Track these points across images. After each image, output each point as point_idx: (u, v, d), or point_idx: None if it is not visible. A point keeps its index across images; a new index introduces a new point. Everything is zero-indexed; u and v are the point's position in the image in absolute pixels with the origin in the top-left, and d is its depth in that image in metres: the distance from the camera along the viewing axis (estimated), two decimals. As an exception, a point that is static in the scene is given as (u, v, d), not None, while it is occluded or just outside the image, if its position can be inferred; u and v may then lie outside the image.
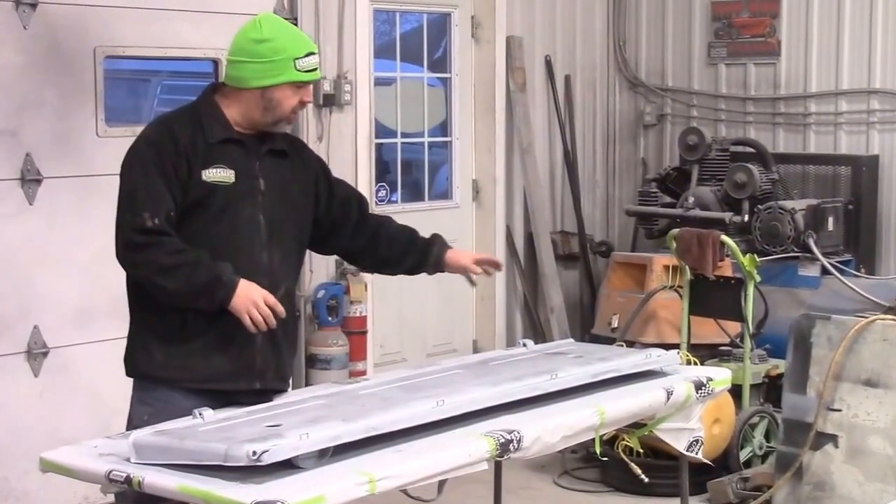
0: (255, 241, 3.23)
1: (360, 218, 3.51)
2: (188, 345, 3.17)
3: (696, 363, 4.85)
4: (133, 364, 3.27)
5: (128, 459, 2.78)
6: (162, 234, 3.11)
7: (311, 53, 3.26)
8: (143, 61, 5.18)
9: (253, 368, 3.23)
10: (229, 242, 3.18)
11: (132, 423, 3.19)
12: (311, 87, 3.32)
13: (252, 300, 3.11)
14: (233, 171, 3.20)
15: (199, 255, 3.13)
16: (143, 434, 2.84)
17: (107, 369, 4.42)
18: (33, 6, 4.60)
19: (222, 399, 3.15)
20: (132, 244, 3.13)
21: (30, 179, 4.64)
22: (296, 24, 5.49)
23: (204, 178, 3.16)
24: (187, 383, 3.18)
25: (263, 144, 3.28)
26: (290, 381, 3.47)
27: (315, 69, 3.27)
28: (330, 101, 5.70)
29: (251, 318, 3.10)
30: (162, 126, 3.25)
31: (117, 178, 3.20)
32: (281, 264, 3.27)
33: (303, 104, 3.29)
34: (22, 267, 4.63)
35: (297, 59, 3.22)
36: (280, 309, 3.16)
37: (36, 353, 4.68)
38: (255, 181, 3.24)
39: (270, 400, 3.23)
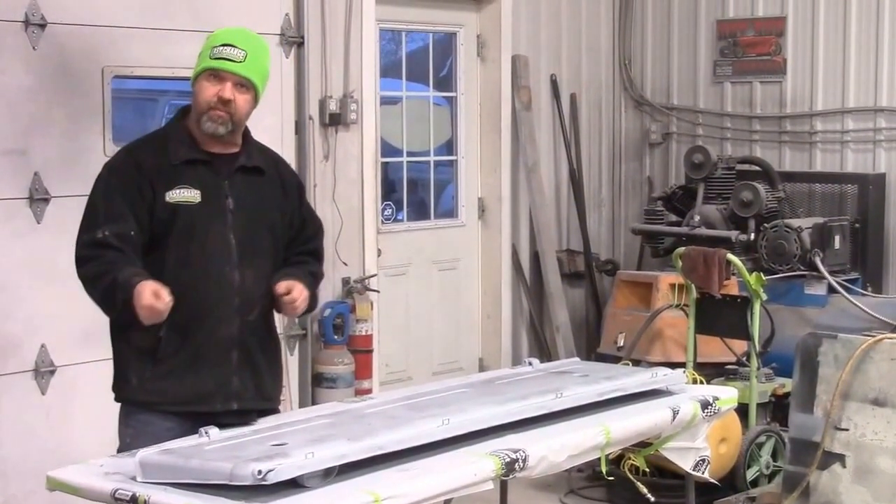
0: (226, 260, 3.18)
1: (299, 245, 3.40)
2: (162, 366, 3.16)
3: (702, 382, 4.83)
4: (115, 388, 3.27)
5: (134, 478, 2.79)
6: (107, 246, 3.08)
7: (230, 45, 3.14)
8: (150, 81, 5.19)
9: (229, 389, 3.20)
10: (200, 262, 3.16)
11: (119, 446, 3.20)
12: (230, 84, 3.13)
13: (140, 304, 2.96)
14: (198, 191, 3.17)
15: (117, 265, 3.04)
16: (150, 453, 2.84)
17: (113, 388, 4.42)
18: (42, 27, 4.63)
19: (201, 421, 3.07)
20: (79, 259, 3.15)
21: (38, 199, 4.65)
22: (302, 44, 5.53)
23: (167, 199, 3.15)
24: (164, 406, 3.17)
25: (234, 162, 3.24)
26: (279, 401, 3.43)
27: (223, 58, 3.12)
28: (336, 121, 5.72)
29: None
30: (125, 153, 3.27)
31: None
32: (255, 284, 3.22)
33: (221, 100, 3.12)
34: (30, 286, 4.64)
35: (214, 47, 3.16)
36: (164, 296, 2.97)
37: (43, 371, 4.69)
38: (224, 200, 3.21)
39: (254, 421, 3.21)
